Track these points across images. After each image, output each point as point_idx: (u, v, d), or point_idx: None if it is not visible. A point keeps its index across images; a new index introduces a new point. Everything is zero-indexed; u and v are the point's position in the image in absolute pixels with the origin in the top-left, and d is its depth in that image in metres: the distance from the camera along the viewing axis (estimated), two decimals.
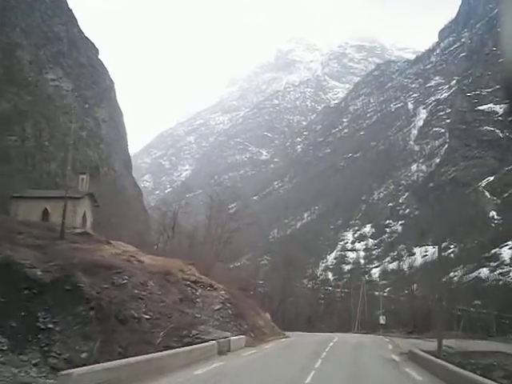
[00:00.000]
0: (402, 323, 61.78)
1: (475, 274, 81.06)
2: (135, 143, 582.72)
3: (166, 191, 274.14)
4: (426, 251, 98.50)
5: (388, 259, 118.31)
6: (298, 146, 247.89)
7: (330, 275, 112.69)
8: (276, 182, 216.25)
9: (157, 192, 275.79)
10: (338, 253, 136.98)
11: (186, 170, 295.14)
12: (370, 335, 48.42)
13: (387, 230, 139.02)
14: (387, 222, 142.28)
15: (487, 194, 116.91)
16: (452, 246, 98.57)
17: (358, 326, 67.78)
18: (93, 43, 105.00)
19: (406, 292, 74.31)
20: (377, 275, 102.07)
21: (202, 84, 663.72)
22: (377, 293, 72.80)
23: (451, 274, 69.22)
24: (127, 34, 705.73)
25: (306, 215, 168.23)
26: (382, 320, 55.07)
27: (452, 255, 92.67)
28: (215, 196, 58.15)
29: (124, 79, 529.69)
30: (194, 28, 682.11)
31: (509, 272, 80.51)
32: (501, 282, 74.57)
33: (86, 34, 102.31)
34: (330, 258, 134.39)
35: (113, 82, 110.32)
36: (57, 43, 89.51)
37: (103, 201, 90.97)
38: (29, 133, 71.04)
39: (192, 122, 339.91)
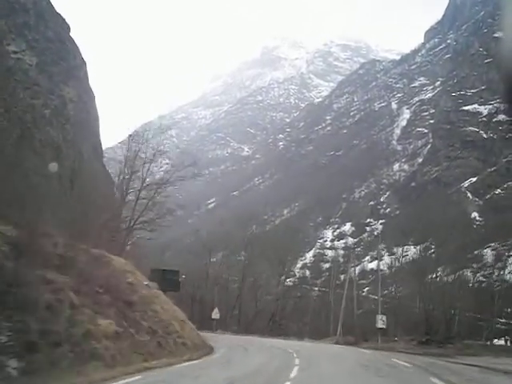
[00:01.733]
0: (403, 328, 49.87)
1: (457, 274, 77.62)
2: (114, 135, 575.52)
3: (144, 184, 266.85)
4: (407, 251, 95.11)
5: (368, 258, 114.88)
6: (281, 143, 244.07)
7: (307, 273, 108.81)
8: (257, 179, 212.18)
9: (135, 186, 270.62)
10: (317, 251, 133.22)
11: (166, 163, 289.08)
12: (364, 350, 32.20)
13: (367, 228, 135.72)
14: (368, 220, 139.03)
15: (469, 194, 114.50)
16: (433, 247, 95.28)
17: (340, 331, 47.48)
18: (64, 18, 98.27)
19: (385, 292, 70.36)
20: (356, 274, 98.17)
21: (185, 78, 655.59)
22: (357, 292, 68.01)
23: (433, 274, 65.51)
24: (109, 19, 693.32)
25: (285, 212, 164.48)
26: (382, 322, 38.38)
27: (433, 255, 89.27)
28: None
29: (104, 68, 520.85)
30: (179, 20, 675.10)
31: (491, 274, 77.30)
32: (483, 284, 71.29)
33: (57, 10, 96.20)
34: (309, 255, 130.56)
35: (84, 62, 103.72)
36: (22, 14, 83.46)
37: (65, 184, 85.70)
38: None
39: (174, 115, 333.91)
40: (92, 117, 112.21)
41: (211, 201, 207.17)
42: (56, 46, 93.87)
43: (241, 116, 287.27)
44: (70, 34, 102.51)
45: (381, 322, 38.36)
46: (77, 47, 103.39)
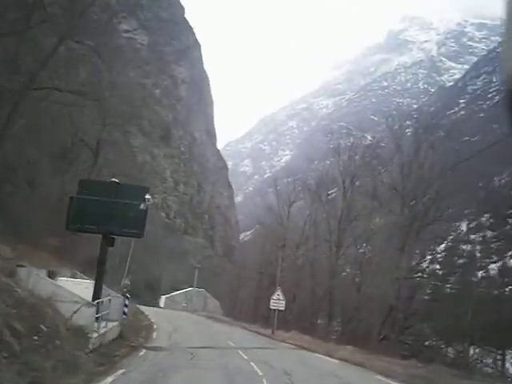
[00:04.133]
0: None
1: None
2: (237, 129, 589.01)
3: (265, 176, 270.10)
4: None
5: (510, 253, 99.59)
6: (407, 130, 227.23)
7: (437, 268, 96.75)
8: (380, 167, 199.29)
9: (256, 177, 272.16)
10: (449, 244, 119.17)
11: (286, 154, 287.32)
12: None
13: (510, 220, 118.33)
14: (510, 211, 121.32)
15: None
16: None
17: None
18: (178, 0, 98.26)
19: None
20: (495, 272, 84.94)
21: (305, 68, 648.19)
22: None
23: None
24: (228, 8, 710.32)
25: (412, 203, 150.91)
26: None
27: None
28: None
29: (224, 64, 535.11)
30: (297, 7, 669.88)
31: None
32: None
33: None
34: (440, 249, 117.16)
35: (198, 43, 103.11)
36: None
37: (172, 166, 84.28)
38: (84, 78, 65.54)
39: (294, 106, 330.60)
40: (205, 99, 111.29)
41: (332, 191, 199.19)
42: (169, 27, 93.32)
43: (364, 104, 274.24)
44: (185, 15, 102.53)
45: None
46: (191, 28, 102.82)
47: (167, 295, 58.13)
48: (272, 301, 30.85)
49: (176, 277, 63.52)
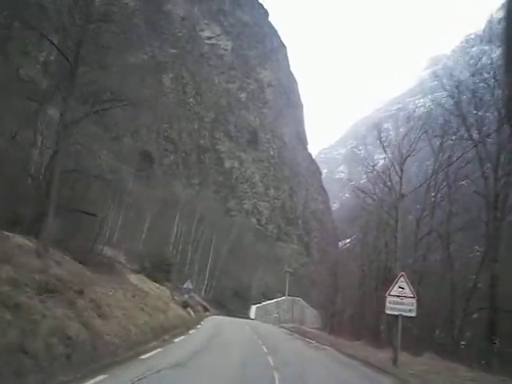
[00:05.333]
0: None
1: None
2: (329, 135, 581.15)
3: (362, 181, 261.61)
4: None
5: None
6: None
7: None
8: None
9: (352, 182, 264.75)
10: None
11: (383, 158, 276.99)
12: None
13: None
14: None
15: None
16: None
17: None
18: (261, 4, 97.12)
19: None
20: None
21: (397, 68, 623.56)
22: None
23: None
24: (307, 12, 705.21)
25: None
26: None
27: None
28: None
29: (313, 69, 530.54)
30: (386, 6, 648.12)
31: None
32: None
33: None
34: None
35: (284, 46, 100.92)
36: (217, 1, 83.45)
37: (261, 170, 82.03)
38: (168, 87, 65.57)
39: (389, 107, 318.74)
40: (294, 103, 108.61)
41: None
42: (252, 30, 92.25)
43: (465, 98, 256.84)
44: (268, 18, 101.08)
45: None
46: (275, 31, 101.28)
47: (258, 305, 55.03)
48: (390, 299, 15.53)
49: (268, 285, 60.84)
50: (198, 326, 23.77)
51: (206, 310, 41.47)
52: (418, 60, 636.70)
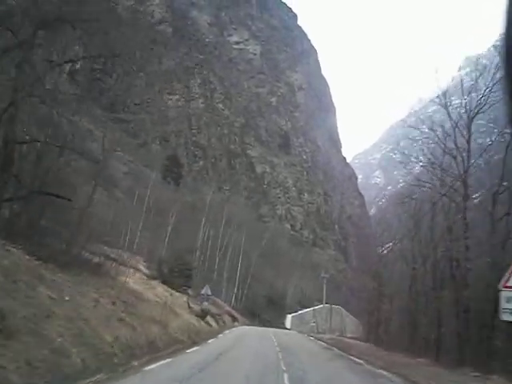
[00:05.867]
0: None
1: None
2: (364, 140, 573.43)
3: (399, 186, 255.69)
4: None
5: None
6: None
7: None
8: None
9: (389, 187, 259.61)
10: None
11: (420, 160, 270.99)
12: None
13: None
14: None
15: None
16: None
17: None
18: (289, 7, 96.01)
19: None
20: None
21: (432, 68, 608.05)
22: None
23: None
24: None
25: None
26: None
27: None
28: None
29: (345, 72, 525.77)
30: (416, 5, 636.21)
31: None
32: None
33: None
34: None
35: (314, 49, 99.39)
36: (244, 6, 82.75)
37: (294, 175, 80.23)
38: (196, 92, 64.90)
39: (423, 110, 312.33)
40: (326, 106, 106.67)
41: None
42: (281, 34, 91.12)
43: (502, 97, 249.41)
44: (298, 22, 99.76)
45: None
46: (304, 34, 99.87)
47: (294, 314, 52.72)
48: (506, 294, 10.48)
49: (305, 292, 58.87)
50: (210, 341, 20.05)
51: (234, 319, 39.66)
52: (452, 61, 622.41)
